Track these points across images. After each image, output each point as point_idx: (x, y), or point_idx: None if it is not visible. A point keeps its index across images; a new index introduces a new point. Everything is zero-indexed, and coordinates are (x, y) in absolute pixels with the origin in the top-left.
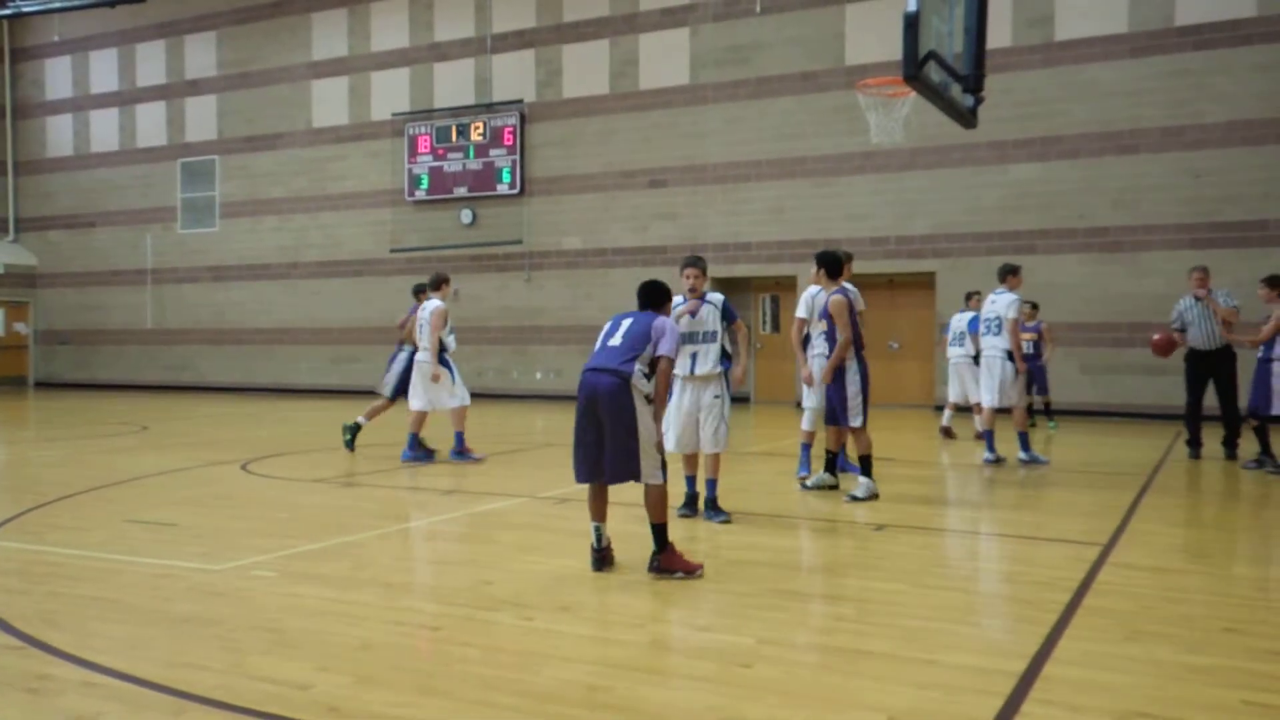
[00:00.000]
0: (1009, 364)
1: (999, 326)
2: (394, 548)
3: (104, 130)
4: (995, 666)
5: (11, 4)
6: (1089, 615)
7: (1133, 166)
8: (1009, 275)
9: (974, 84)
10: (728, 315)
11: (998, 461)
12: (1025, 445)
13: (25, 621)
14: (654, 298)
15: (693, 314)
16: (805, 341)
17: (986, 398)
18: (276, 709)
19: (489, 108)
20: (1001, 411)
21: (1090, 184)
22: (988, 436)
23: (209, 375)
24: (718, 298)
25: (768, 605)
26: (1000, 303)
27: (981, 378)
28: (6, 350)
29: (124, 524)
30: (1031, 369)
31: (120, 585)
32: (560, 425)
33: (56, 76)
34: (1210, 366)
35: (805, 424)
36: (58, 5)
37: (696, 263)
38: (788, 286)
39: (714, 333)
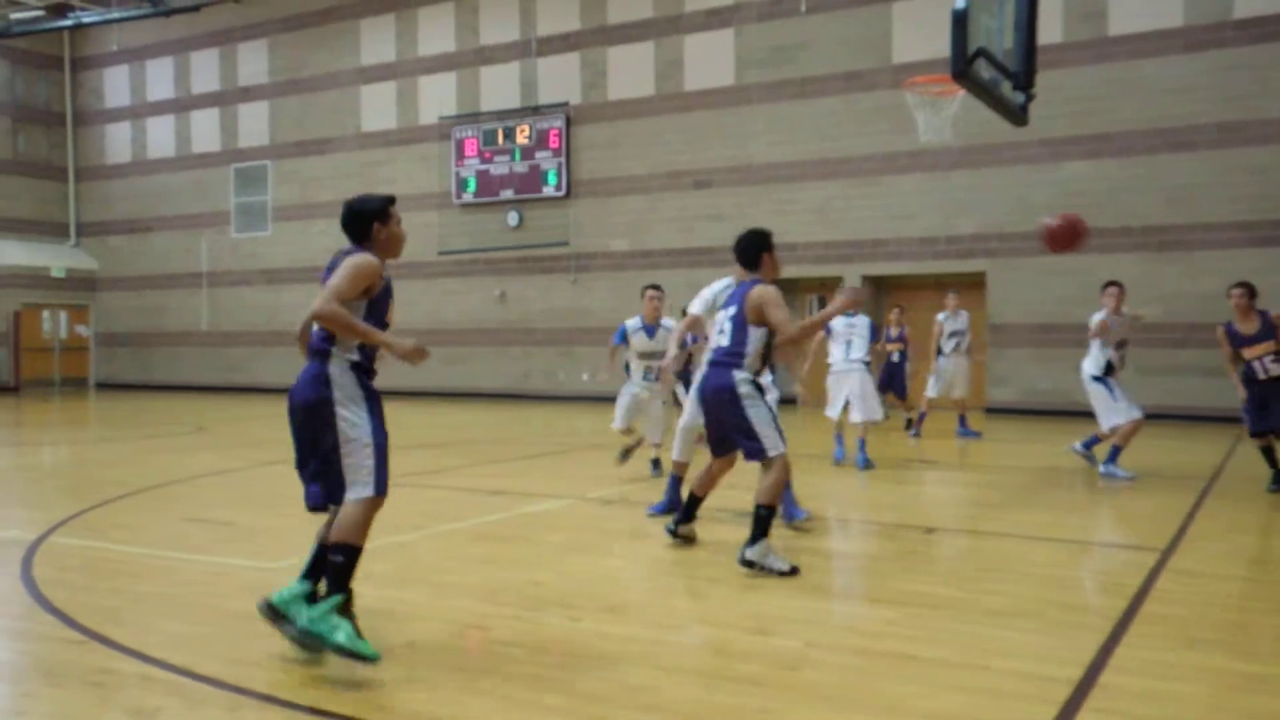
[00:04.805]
0: (1092, 385)
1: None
2: (442, 547)
3: (160, 137)
4: (1050, 674)
5: (72, 15)
6: (1147, 622)
7: (1188, 164)
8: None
9: (1024, 81)
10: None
11: (1130, 478)
12: (1085, 446)
13: (88, 616)
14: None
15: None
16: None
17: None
18: (328, 706)
19: (535, 110)
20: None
21: (1144, 182)
22: (1115, 451)
23: (261, 376)
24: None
25: (816, 608)
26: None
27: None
28: (69, 352)
29: (182, 522)
30: (894, 371)
31: (178, 582)
32: (607, 427)
33: (115, 85)
34: None
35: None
36: (116, 16)
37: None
38: (834, 287)
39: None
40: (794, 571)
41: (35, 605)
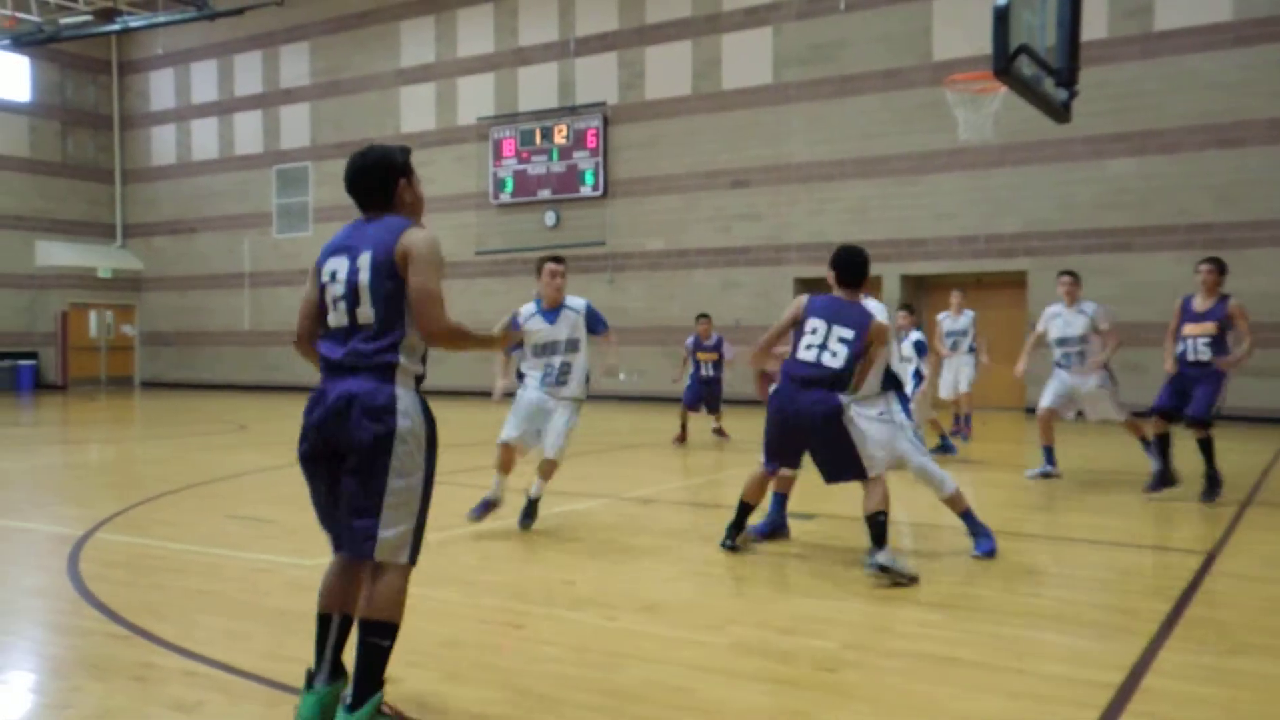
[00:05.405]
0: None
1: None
2: (479, 546)
3: (204, 139)
4: (1091, 677)
5: (119, 20)
6: (1192, 626)
7: (1237, 160)
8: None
9: (1068, 78)
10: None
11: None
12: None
13: (132, 612)
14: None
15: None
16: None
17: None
18: None
19: (572, 110)
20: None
21: (1191, 179)
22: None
23: (303, 376)
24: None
25: (853, 610)
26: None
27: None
28: (114, 351)
29: (224, 519)
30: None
31: (220, 578)
32: (643, 426)
33: (160, 88)
34: None
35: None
36: (161, 20)
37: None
38: (873, 286)
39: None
40: (915, 581)
41: (81, 600)
